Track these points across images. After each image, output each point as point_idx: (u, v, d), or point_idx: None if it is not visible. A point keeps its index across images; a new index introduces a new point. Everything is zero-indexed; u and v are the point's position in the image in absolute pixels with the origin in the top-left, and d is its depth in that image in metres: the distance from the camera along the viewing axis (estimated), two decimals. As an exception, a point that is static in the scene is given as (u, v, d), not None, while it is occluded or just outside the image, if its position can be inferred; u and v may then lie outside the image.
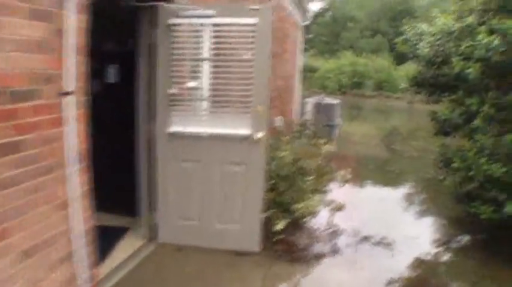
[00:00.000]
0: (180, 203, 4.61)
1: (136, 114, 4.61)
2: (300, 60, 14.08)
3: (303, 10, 12.94)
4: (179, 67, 4.30)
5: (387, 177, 9.27)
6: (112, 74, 5.28)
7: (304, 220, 5.24)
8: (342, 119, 13.48)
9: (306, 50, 22.46)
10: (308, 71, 27.81)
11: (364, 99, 29.20)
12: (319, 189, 5.72)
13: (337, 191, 6.05)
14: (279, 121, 9.93)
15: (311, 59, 32.98)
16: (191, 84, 4.36)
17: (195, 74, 4.35)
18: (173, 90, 4.25)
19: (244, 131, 4.29)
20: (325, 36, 42.23)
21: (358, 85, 32.10)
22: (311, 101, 12.84)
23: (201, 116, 4.44)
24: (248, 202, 4.48)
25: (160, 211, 4.66)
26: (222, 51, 4.27)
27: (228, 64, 4.29)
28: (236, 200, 4.50)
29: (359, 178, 8.26)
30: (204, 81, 4.31)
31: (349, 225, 5.52)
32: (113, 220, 5.01)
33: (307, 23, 13.92)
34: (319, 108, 12.34)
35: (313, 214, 5.17)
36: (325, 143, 8.01)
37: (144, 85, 4.48)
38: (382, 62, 33.28)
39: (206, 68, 4.32)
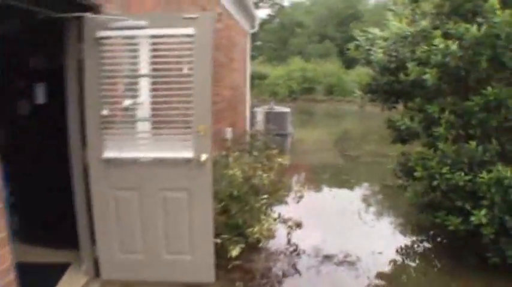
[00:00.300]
0: (121, 236, 4.13)
1: (69, 139, 4.13)
2: (248, 68, 13.78)
3: (251, 18, 12.65)
4: (111, 85, 3.85)
5: (344, 187, 9.00)
6: (40, 93, 4.76)
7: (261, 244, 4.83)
8: (293, 127, 13.24)
9: (253, 57, 22.23)
10: (257, 78, 27.67)
11: (315, 104, 29.35)
12: (274, 207, 5.39)
13: (294, 207, 5.71)
14: (229, 133, 9.58)
15: (259, 66, 32.88)
16: (126, 103, 3.92)
17: (129, 93, 3.91)
18: (105, 112, 3.79)
19: (186, 153, 3.86)
20: (273, 42, 42.41)
21: (308, 90, 32.31)
22: (260, 111, 12.56)
23: (137, 139, 4.00)
24: (196, 230, 4.05)
25: (100, 245, 4.17)
26: (157, 66, 3.84)
27: (164, 80, 3.86)
28: (183, 229, 4.06)
29: (315, 189, 7.99)
30: (140, 100, 3.87)
31: (309, 244, 5.20)
32: (53, 255, 4.51)
33: (255, 30, 13.62)
34: (270, 117, 12.08)
35: (269, 237, 4.79)
36: (277, 155, 7.72)
37: (75, 106, 4.00)
38: (331, 66, 33.71)
39: (141, 86, 3.89)
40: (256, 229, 4.58)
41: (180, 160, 3.89)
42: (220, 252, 4.37)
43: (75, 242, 4.28)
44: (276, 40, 42.77)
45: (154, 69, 3.85)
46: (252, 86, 16.42)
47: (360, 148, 12.97)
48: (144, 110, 3.91)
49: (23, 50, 4.70)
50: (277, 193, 5.56)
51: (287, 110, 12.80)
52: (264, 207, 5.07)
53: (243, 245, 4.50)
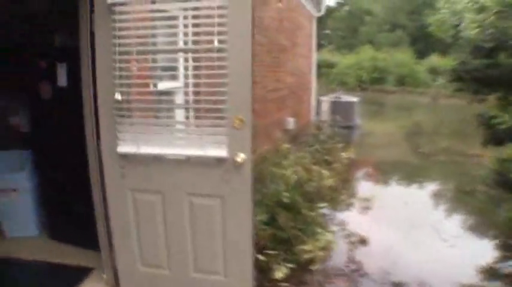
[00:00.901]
0: (142, 246, 3.35)
1: (85, 129, 3.39)
2: (314, 54, 12.71)
3: (316, 1, 11.60)
4: (126, 63, 3.01)
5: (419, 191, 7.45)
6: (63, 75, 4.05)
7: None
8: (361, 119, 11.99)
9: (322, 46, 21.18)
10: (325, 67, 26.40)
11: (385, 95, 27.52)
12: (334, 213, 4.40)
13: (358, 215, 4.65)
14: (291, 124, 8.66)
15: (328, 55, 31.47)
16: (152, 87, 3.09)
17: (149, 73, 3.07)
18: (118, 96, 2.95)
19: (218, 151, 2.96)
20: (342, 31, 40.78)
21: (378, 80, 30.56)
22: (326, 100, 11.43)
23: (159, 132, 3.13)
24: (232, 246, 3.16)
25: (118, 254, 3.43)
26: (183, 39, 2.96)
27: (193, 56, 2.99)
28: (215, 243, 3.18)
29: (384, 193, 6.65)
30: (161, 83, 3.02)
31: (375, 265, 4.13)
32: (79, 256, 3.99)
33: (321, 14, 12.49)
34: (336, 107, 10.93)
35: (325, 259, 3.79)
36: (342, 149, 6.73)
37: (88, 89, 3.24)
38: (403, 56, 31.73)
39: (162, 64, 3.03)
40: (309, 247, 3.61)
41: (211, 159, 2.99)
42: (264, 271, 3.48)
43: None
44: (345, 28, 41.02)
45: (178, 43, 2.98)
46: (320, 74, 15.34)
47: (434, 144, 11.32)
48: (164, 94, 3.07)
49: (46, 26, 4.13)
50: (338, 200, 4.53)
51: (355, 99, 11.59)
52: (320, 217, 4.08)
53: (291, 265, 3.56)
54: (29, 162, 4.62)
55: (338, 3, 41.97)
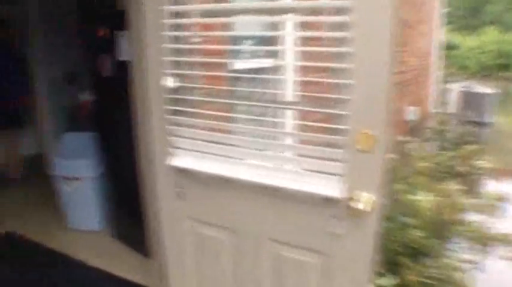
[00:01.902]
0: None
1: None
2: (438, 34, 10.87)
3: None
4: (185, 31, 1.83)
5: None
6: (123, 46, 3.04)
7: None
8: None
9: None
10: (444, 49, 23.69)
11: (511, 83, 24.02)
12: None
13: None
14: (412, 114, 7.14)
15: (447, 36, 28.38)
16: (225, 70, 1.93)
17: (219, 47, 1.89)
18: (168, 82, 1.80)
19: (324, 186, 1.68)
20: (464, 10, 36.71)
21: (504, 67, 26.95)
22: (455, 89, 9.56)
23: (232, 143, 1.89)
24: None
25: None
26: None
27: (290, 22, 1.72)
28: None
29: None
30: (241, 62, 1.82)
31: None
32: (137, 266, 3.35)
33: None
34: (468, 99, 9.02)
35: None
36: (477, 154, 5.19)
37: (137, 69, 2.16)
38: (535, 39, 27.71)
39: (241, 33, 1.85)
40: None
41: (312, 197, 1.73)
42: None
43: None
44: (468, 7, 36.95)
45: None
46: (439, 58, 13.32)
47: None
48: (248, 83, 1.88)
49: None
50: (483, 240, 3.11)
51: (490, 91, 9.59)
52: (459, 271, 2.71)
53: None
54: (93, 148, 3.76)
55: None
